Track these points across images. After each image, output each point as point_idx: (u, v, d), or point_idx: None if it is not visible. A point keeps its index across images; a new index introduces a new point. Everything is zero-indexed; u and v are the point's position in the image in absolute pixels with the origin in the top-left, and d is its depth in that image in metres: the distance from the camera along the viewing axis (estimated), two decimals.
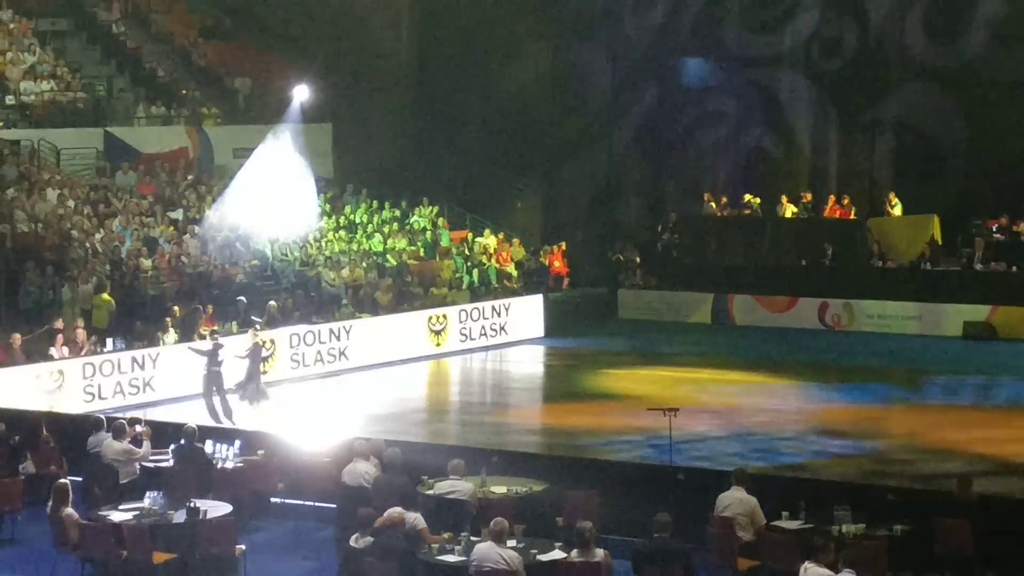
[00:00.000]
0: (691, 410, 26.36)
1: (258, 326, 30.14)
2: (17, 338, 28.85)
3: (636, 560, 15.97)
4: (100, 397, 28.71)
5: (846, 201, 40.17)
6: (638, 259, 41.91)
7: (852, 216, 40.05)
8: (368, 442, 19.73)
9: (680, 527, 16.13)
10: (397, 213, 42.63)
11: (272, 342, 31.68)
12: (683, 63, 44.36)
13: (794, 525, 17.34)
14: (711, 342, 37.24)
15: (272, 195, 38.07)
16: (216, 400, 27.49)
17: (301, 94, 42.68)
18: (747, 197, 41.52)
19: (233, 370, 28.26)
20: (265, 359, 30.28)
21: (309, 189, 39.77)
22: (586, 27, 45.52)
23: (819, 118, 43.02)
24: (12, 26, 43.40)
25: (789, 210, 40.72)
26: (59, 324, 29.87)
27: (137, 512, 18.12)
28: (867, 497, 18.10)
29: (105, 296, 32.18)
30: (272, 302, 33.31)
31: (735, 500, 17.37)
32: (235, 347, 28.46)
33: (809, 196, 40.96)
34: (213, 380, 27.58)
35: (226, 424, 26.55)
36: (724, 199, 42.10)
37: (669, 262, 41.21)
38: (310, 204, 39.56)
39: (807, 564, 14.77)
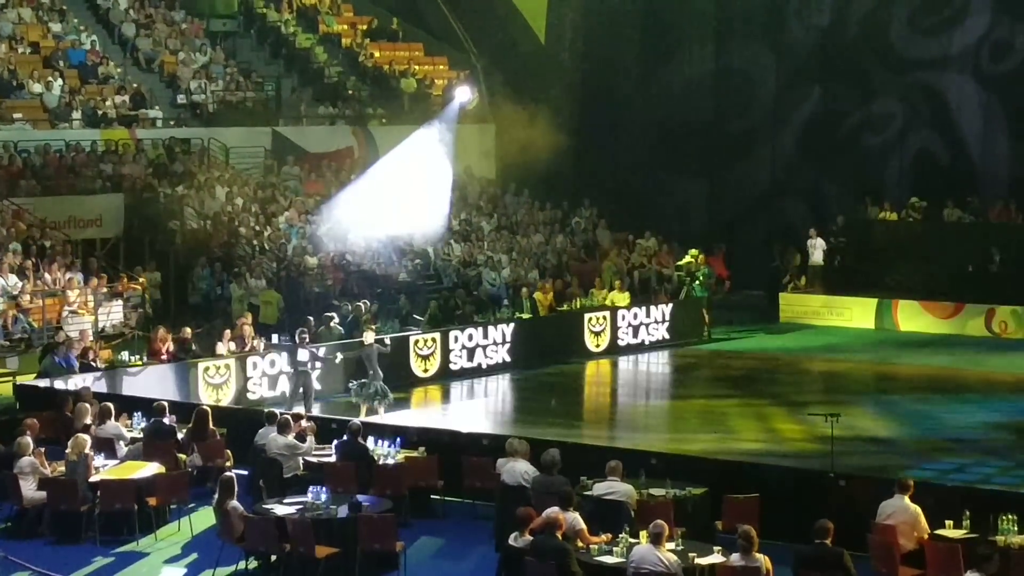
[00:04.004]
0: None
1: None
2: (187, 332, 29.40)
3: (797, 566, 15.87)
4: (265, 392, 29.10)
5: (1014, 206, 39.52)
6: (799, 262, 41.46)
7: (1020, 221, 39.36)
8: (523, 442, 19.78)
9: (841, 534, 15.98)
10: (558, 214, 42.75)
11: (434, 340, 31.95)
12: None
13: (958, 534, 17.13)
14: (882, 347, 36.66)
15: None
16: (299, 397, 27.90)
17: (464, 95, 43.01)
18: (912, 200, 41.01)
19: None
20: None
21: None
22: (750, 28, 45.30)
23: (988, 121, 42.26)
24: (184, 26, 44.26)
25: (955, 214, 40.15)
26: (243, 320, 30.30)
27: (300, 506, 18.33)
28: None
29: (274, 292, 32.63)
30: (433, 302, 33.52)
31: (898, 508, 17.19)
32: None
33: (975, 200, 40.42)
34: (300, 379, 28.00)
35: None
36: (888, 203, 41.62)
37: (833, 265, 40.75)
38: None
39: (970, 574, 14.59)
